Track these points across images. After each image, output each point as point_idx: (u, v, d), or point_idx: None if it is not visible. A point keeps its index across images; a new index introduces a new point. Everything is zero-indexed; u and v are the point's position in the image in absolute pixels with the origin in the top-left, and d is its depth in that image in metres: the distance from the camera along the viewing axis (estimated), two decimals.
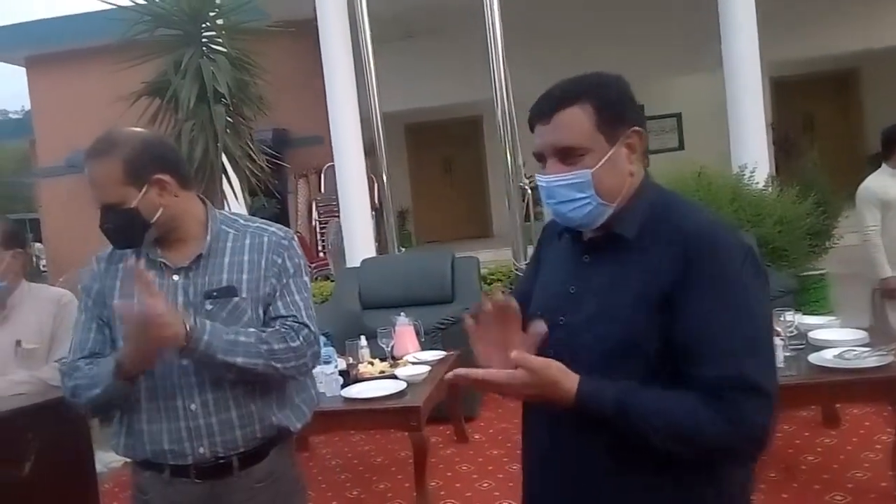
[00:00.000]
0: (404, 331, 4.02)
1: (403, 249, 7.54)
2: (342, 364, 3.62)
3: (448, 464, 3.94)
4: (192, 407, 1.68)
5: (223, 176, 5.43)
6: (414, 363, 3.77)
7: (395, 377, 3.53)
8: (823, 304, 5.41)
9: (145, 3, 5.41)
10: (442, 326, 4.49)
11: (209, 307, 1.69)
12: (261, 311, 1.73)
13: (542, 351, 1.29)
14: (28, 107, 12.89)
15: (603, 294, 1.29)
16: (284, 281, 1.76)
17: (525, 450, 1.46)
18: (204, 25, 5.43)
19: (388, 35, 8.07)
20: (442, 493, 3.60)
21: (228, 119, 5.34)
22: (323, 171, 9.48)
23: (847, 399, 3.51)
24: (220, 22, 5.54)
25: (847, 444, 3.65)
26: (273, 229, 1.81)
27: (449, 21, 9.18)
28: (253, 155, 5.49)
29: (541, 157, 1.34)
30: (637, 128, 1.30)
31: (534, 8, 8.98)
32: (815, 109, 11.58)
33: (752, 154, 6.13)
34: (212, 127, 5.20)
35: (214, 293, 1.70)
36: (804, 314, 3.67)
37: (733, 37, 6.36)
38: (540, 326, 1.27)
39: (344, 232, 6.81)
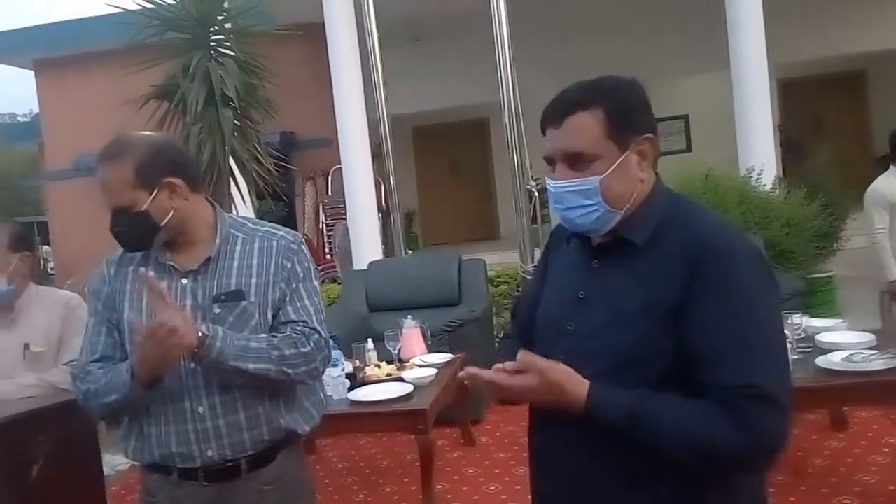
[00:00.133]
0: (411, 333, 4.02)
1: (410, 252, 7.54)
2: (349, 367, 3.63)
3: (455, 467, 3.94)
4: (200, 409, 1.68)
5: (231, 179, 5.45)
6: (421, 366, 3.77)
7: (401, 380, 3.53)
8: (831, 307, 5.40)
9: (154, 7, 5.43)
10: (449, 329, 4.49)
11: (217, 311, 1.70)
12: (269, 316, 1.74)
13: (550, 359, 1.29)
14: (36, 110, 12.95)
15: (612, 300, 1.28)
16: (294, 286, 1.76)
17: (532, 454, 1.45)
18: (212, 29, 5.45)
19: (395, 38, 8.08)
20: (448, 496, 3.60)
21: (236, 122, 5.37)
22: (330, 174, 9.49)
23: (855, 402, 3.50)
24: (228, 26, 5.56)
25: (855, 448, 3.63)
26: (282, 233, 1.81)
27: (456, 23, 9.18)
28: (260, 158, 5.50)
29: (551, 161, 1.33)
30: (649, 135, 1.29)
31: (541, 10, 8.97)
32: (823, 111, 11.53)
33: (760, 156, 6.11)
34: (219, 130, 5.21)
35: (223, 297, 1.70)
36: (812, 317, 3.66)
37: (740, 38, 6.34)
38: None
39: (351, 234, 6.81)
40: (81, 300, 2.57)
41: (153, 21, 5.37)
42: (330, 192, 9.57)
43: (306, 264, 1.81)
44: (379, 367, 3.73)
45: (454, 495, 3.61)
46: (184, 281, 1.73)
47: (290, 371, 1.70)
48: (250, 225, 1.83)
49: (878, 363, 2.89)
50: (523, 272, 5.95)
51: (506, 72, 6.21)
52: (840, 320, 3.59)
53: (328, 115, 6.97)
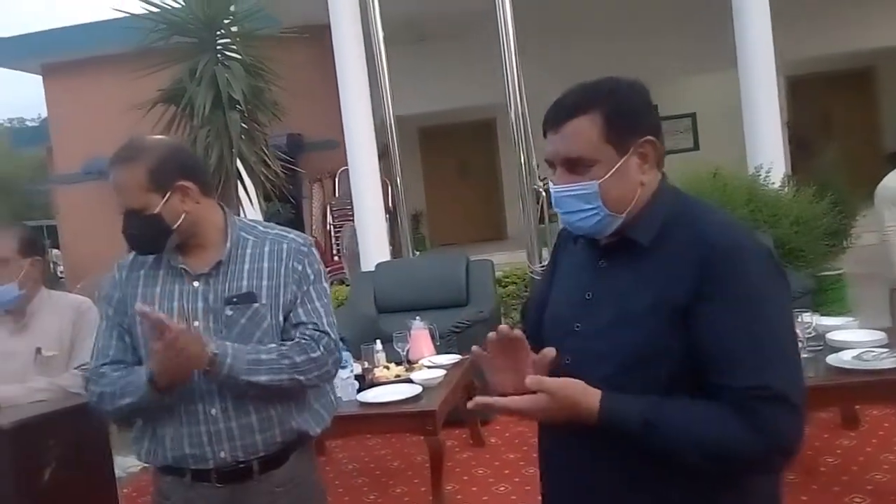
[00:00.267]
0: (419, 335, 4.02)
1: (418, 253, 7.55)
2: (358, 368, 3.63)
3: (464, 467, 3.94)
4: (213, 412, 1.69)
5: (238, 182, 5.47)
6: (429, 367, 3.77)
7: (410, 381, 3.53)
8: (841, 305, 5.37)
9: (160, 11, 5.45)
10: (457, 330, 4.49)
11: (229, 313, 1.71)
12: (281, 318, 1.75)
13: (558, 359, 1.29)
14: (44, 114, 13.02)
15: (620, 300, 1.27)
16: (305, 288, 1.77)
17: (541, 456, 1.45)
18: (218, 33, 5.47)
19: (401, 39, 8.09)
20: (458, 497, 3.60)
21: (243, 125, 5.38)
22: (337, 176, 9.51)
23: (866, 400, 3.48)
24: (234, 29, 5.58)
25: (867, 446, 3.61)
26: (292, 236, 1.83)
27: (461, 24, 9.19)
28: (268, 160, 5.52)
29: (552, 165, 1.33)
30: (650, 137, 1.28)
31: (546, 9, 8.97)
32: (832, 108, 11.48)
33: (768, 154, 6.09)
34: (227, 133, 5.23)
35: (234, 299, 1.72)
36: (822, 315, 3.64)
37: (747, 36, 6.32)
38: (549, 352, 1.26)
39: (358, 236, 6.82)
40: (92, 304, 2.58)
41: (160, 25, 5.39)
42: (337, 194, 9.59)
43: (316, 266, 1.82)
44: (388, 368, 3.73)
45: (464, 496, 3.61)
46: (195, 284, 1.74)
47: (301, 378, 1.72)
48: (260, 228, 1.84)
49: (888, 361, 2.88)
50: (531, 272, 5.95)
51: (512, 72, 6.22)
52: (850, 318, 3.57)
53: (335, 117, 6.98)
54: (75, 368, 2.43)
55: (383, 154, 6.89)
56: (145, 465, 1.87)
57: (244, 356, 1.66)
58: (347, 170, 7.02)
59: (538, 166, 6.43)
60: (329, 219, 9.51)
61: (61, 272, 11.61)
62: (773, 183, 5.58)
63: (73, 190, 11.13)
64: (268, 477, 1.76)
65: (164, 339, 1.56)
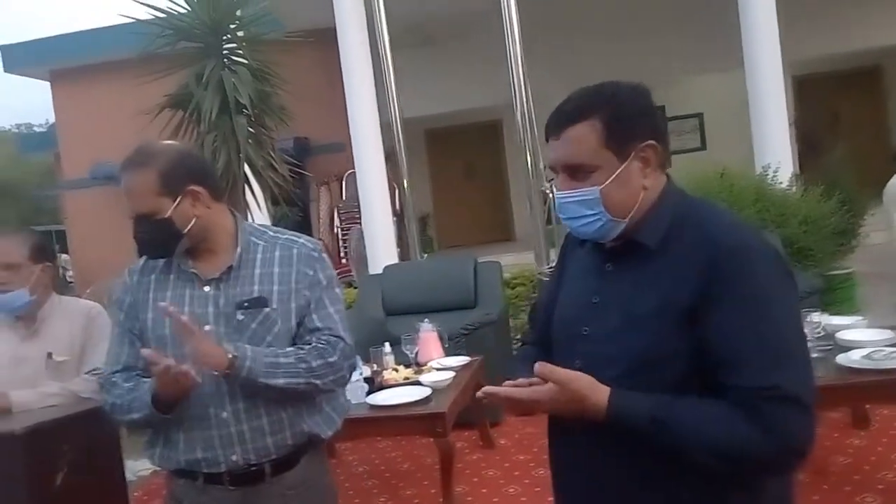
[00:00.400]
0: (428, 337, 4.03)
1: (426, 255, 7.55)
2: (367, 371, 3.64)
3: (474, 469, 3.93)
4: (224, 415, 1.71)
5: (246, 186, 5.48)
6: (438, 369, 3.77)
7: (419, 383, 3.53)
8: (850, 304, 5.34)
9: (166, 16, 5.47)
10: (465, 332, 4.49)
11: (240, 317, 1.72)
12: (293, 323, 1.76)
13: (567, 363, 1.29)
14: (52, 119, 13.09)
15: (626, 304, 1.28)
16: (318, 294, 1.79)
17: (551, 456, 1.46)
18: (225, 38, 5.49)
19: (407, 41, 8.10)
20: (469, 498, 3.60)
21: (250, 130, 5.40)
22: (344, 178, 9.53)
23: (876, 400, 3.46)
24: (240, 34, 5.60)
25: (878, 445, 3.59)
26: (302, 241, 1.84)
27: (467, 25, 9.19)
28: (275, 164, 5.53)
29: (554, 171, 1.34)
30: (651, 141, 1.28)
31: (552, 9, 8.97)
32: (839, 107, 11.43)
33: (776, 153, 6.08)
34: (234, 138, 5.25)
35: (246, 304, 1.73)
36: (831, 314, 3.63)
37: (754, 35, 6.32)
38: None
39: (366, 238, 6.83)
40: (102, 309, 2.60)
41: (166, 31, 5.41)
42: (344, 197, 9.60)
43: (328, 271, 1.83)
44: (396, 370, 3.73)
45: (474, 498, 3.61)
46: (206, 288, 1.75)
47: (318, 382, 1.73)
48: (270, 233, 1.85)
49: None
50: (539, 274, 5.94)
51: (518, 73, 6.22)
52: (860, 317, 3.55)
53: (341, 120, 7.00)
54: (86, 373, 2.44)
55: (390, 156, 6.90)
56: (155, 468, 1.88)
57: (263, 359, 1.67)
58: (354, 172, 7.04)
59: (545, 167, 6.42)
60: (336, 222, 9.53)
61: (70, 277, 11.67)
62: (781, 182, 5.56)
63: (80, 195, 11.19)
64: (280, 479, 1.77)
65: (159, 368, 1.58)
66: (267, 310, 1.73)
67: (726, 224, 1.27)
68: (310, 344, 1.75)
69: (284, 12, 7.30)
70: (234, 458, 1.71)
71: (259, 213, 5.72)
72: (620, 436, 1.22)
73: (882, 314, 4.14)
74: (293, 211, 8.53)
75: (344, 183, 9.60)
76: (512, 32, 6.21)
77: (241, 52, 5.53)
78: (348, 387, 3.26)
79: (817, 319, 3.11)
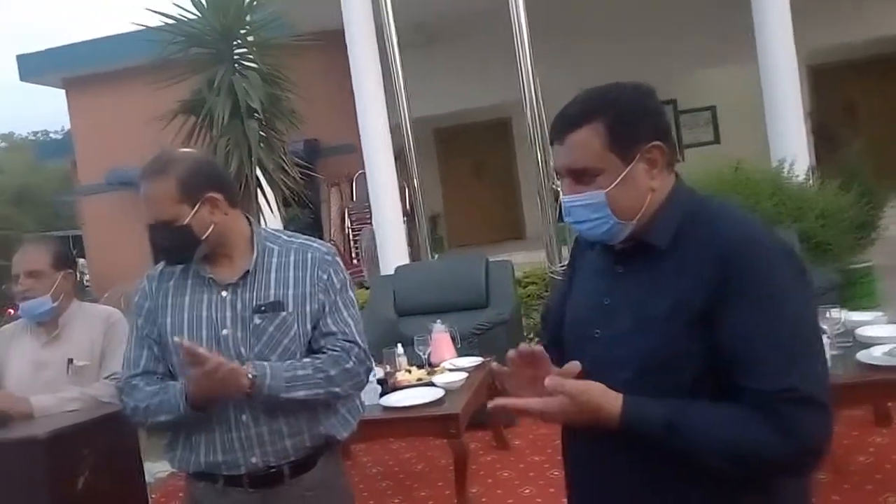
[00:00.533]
0: (441, 338, 4.01)
1: (437, 256, 7.55)
2: (380, 373, 3.63)
3: (489, 470, 3.92)
4: (244, 418, 1.73)
5: (258, 189, 5.51)
6: (451, 370, 3.76)
7: (432, 385, 3.52)
8: (871, 299, 5.28)
9: (178, 23, 5.50)
10: (478, 332, 4.48)
11: (257, 321, 1.75)
12: (308, 327, 1.77)
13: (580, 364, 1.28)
14: (68, 126, 13.22)
15: (637, 306, 1.26)
16: (333, 297, 1.80)
17: (565, 457, 1.45)
18: (235, 43, 5.52)
19: (415, 41, 8.10)
20: (483, 499, 3.58)
21: (261, 133, 5.44)
22: (354, 179, 9.56)
23: None
24: (250, 39, 5.62)
25: None
26: (316, 245, 1.86)
27: (475, 24, 9.18)
28: (286, 167, 5.56)
29: (560, 175, 1.33)
30: (656, 142, 1.26)
31: (561, 5, 8.93)
32: (856, 97, 11.28)
33: (791, 146, 6.02)
34: (245, 142, 5.28)
35: (263, 308, 1.75)
36: (851, 309, 3.58)
37: (767, 26, 6.26)
38: (574, 367, 1.24)
39: (377, 239, 6.84)
40: (121, 315, 2.64)
41: (178, 37, 5.45)
42: (354, 198, 9.64)
43: (342, 275, 1.85)
44: (409, 371, 3.73)
45: (489, 499, 3.59)
46: (223, 293, 1.77)
47: (337, 389, 1.76)
48: (284, 237, 1.88)
49: None
50: (550, 272, 5.92)
51: (527, 71, 6.19)
52: (880, 313, 3.50)
53: (350, 121, 7.02)
54: (105, 378, 2.47)
55: (399, 157, 6.90)
56: (173, 470, 1.89)
57: (282, 374, 1.69)
58: (364, 173, 7.05)
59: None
60: (347, 222, 9.56)
61: (87, 281, 11.78)
62: (797, 176, 5.50)
63: (96, 200, 11.31)
64: (298, 481, 1.79)
65: (203, 367, 1.59)
66: (284, 313, 1.75)
67: (738, 221, 1.25)
68: (324, 350, 1.76)
69: (293, 16, 7.32)
70: (253, 460, 1.73)
71: (270, 216, 5.75)
72: (630, 440, 1.20)
73: None
74: (304, 212, 8.57)
75: (354, 184, 9.63)
76: (520, 30, 6.18)
77: (251, 56, 5.56)
78: None
79: (836, 315, 3.06)
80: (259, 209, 5.53)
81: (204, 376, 1.61)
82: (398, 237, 6.75)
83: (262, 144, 5.44)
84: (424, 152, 9.18)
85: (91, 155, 11.20)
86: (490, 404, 1.29)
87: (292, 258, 1.81)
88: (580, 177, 1.28)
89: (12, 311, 2.61)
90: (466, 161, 12.42)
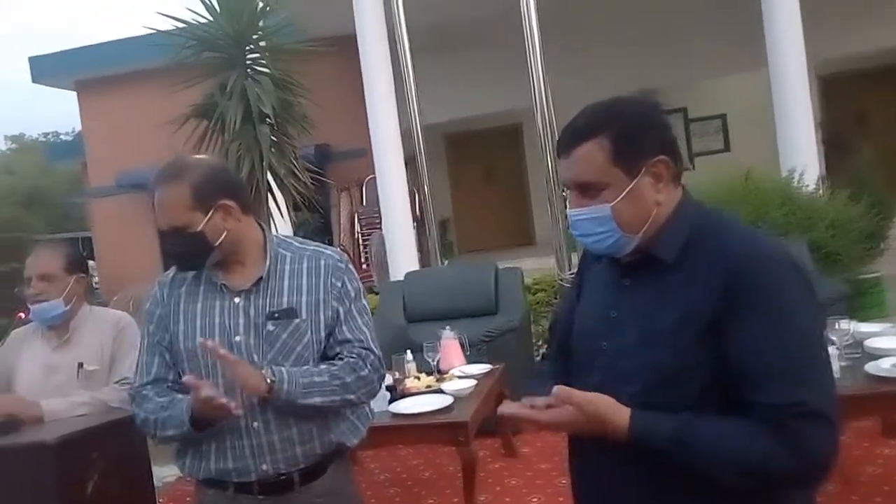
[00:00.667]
0: (450, 344, 4.02)
1: (447, 262, 7.56)
2: (389, 379, 3.63)
3: (497, 478, 3.92)
4: (255, 425, 1.73)
5: (269, 194, 5.53)
6: (460, 377, 3.77)
7: (441, 392, 3.53)
8: (880, 309, 5.27)
9: (190, 28, 5.53)
10: (487, 339, 4.48)
11: (271, 328, 1.75)
12: (322, 334, 1.78)
13: (586, 377, 1.29)
14: (78, 128, 13.29)
15: (644, 318, 1.27)
16: (347, 305, 1.81)
17: (571, 468, 1.45)
18: (248, 48, 5.54)
19: (426, 47, 8.12)
20: None
21: (273, 138, 5.45)
22: (364, 184, 9.57)
23: None
24: (263, 44, 5.65)
25: None
26: (329, 252, 1.86)
27: (486, 30, 9.19)
28: (297, 172, 5.57)
29: (566, 188, 1.35)
30: (662, 156, 1.27)
31: (572, 12, 8.94)
32: (867, 106, 11.24)
33: (801, 155, 6.01)
34: (257, 147, 5.30)
35: (276, 314, 1.75)
36: (860, 319, 3.56)
37: (777, 35, 6.26)
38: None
39: (386, 244, 6.85)
40: (132, 320, 2.64)
41: (190, 42, 5.48)
42: (364, 203, 9.65)
43: (356, 283, 1.85)
44: (418, 378, 3.74)
45: None
46: (236, 300, 1.77)
47: (352, 397, 1.77)
48: (296, 244, 1.88)
49: None
50: (560, 280, 5.92)
51: (538, 77, 6.21)
52: (889, 324, 3.50)
53: (362, 126, 7.04)
54: (115, 383, 2.47)
55: (410, 162, 6.91)
56: (180, 475, 1.90)
57: (299, 379, 1.69)
58: (375, 178, 7.07)
59: None
60: (357, 227, 9.57)
61: (96, 283, 11.83)
62: (807, 185, 5.49)
63: (107, 202, 11.36)
64: (308, 488, 1.79)
65: (199, 397, 1.61)
66: (297, 320, 1.75)
67: (745, 235, 1.26)
68: (340, 357, 1.77)
69: (305, 21, 7.34)
70: (264, 467, 1.74)
71: (281, 221, 5.77)
72: (638, 453, 1.21)
73: None
74: (314, 217, 8.59)
75: (364, 189, 9.64)
76: (532, 36, 6.20)
77: (263, 61, 5.58)
78: None
79: (845, 327, 3.06)
80: (269, 214, 5.55)
81: (202, 403, 1.62)
82: (408, 242, 6.76)
83: (273, 149, 5.46)
84: (435, 157, 9.18)
85: (102, 157, 11.24)
86: (499, 410, 1.31)
87: (305, 265, 1.81)
88: (586, 190, 1.29)
89: (23, 315, 2.62)
90: (477, 166, 12.42)
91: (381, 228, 7.34)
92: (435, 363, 3.88)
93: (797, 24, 6.17)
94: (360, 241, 9.43)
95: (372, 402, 3.32)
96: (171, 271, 1.87)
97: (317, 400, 1.71)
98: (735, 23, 7.95)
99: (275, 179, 5.51)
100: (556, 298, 5.81)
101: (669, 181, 1.29)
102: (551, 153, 6.22)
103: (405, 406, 3.40)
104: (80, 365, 2.50)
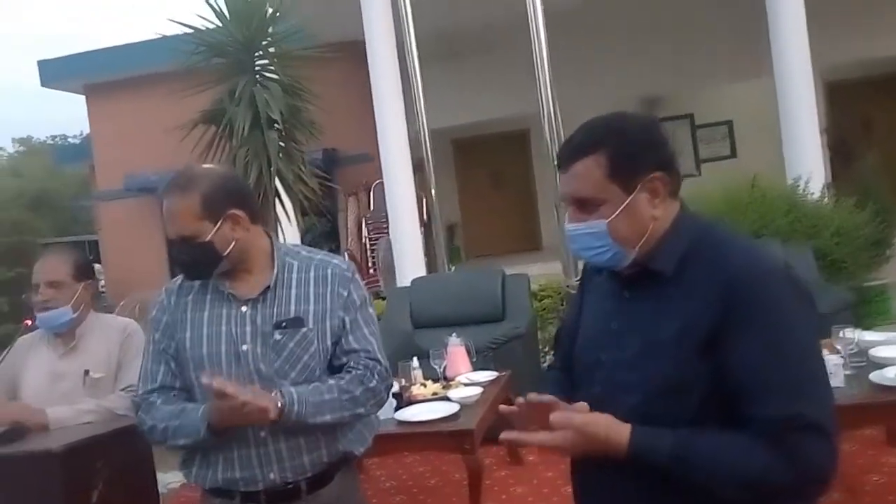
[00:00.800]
0: (456, 351, 4.02)
1: (453, 267, 7.57)
2: (395, 386, 3.64)
3: (502, 486, 3.92)
4: (262, 434, 1.73)
5: (277, 199, 5.55)
6: (466, 384, 3.77)
7: (447, 399, 3.53)
8: (886, 317, 5.27)
9: (200, 34, 5.56)
10: (493, 346, 4.49)
11: (278, 337, 1.75)
12: (328, 343, 1.78)
13: (588, 390, 1.31)
14: (86, 131, 13.35)
15: (644, 331, 1.29)
16: (353, 315, 1.82)
17: (574, 485, 1.47)
18: (257, 54, 5.57)
19: (434, 53, 8.15)
20: None
21: (281, 144, 5.47)
22: (372, 189, 9.59)
23: None
24: (272, 50, 5.67)
25: None
26: (336, 261, 1.87)
27: (494, 36, 9.22)
28: (305, 178, 5.59)
29: (565, 203, 1.37)
30: (658, 173, 1.29)
31: (579, 18, 8.96)
32: (873, 113, 11.21)
33: (807, 162, 6.01)
34: (265, 152, 5.32)
35: (283, 324, 1.76)
36: (865, 327, 3.57)
37: (783, 42, 6.26)
38: (582, 406, 1.26)
39: (394, 249, 6.86)
40: (138, 326, 2.64)
41: (199, 48, 5.50)
42: (372, 207, 9.66)
43: (362, 292, 1.86)
44: (425, 385, 3.74)
45: None
46: (243, 308, 1.78)
47: (361, 410, 1.78)
48: (304, 253, 1.88)
49: None
50: (567, 286, 5.93)
51: (545, 82, 6.22)
52: (894, 333, 3.49)
53: (369, 131, 7.06)
54: (121, 390, 2.48)
55: (418, 166, 6.93)
56: (185, 481, 1.91)
57: (309, 399, 1.70)
58: (382, 183, 7.08)
59: None
60: (364, 232, 9.58)
61: (102, 286, 11.87)
62: (813, 193, 5.49)
63: (114, 206, 11.40)
64: (315, 497, 1.80)
65: (229, 402, 1.60)
66: (304, 329, 1.76)
67: (743, 248, 1.28)
68: (349, 368, 1.78)
69: (314, 26, 7.38)
70: (271, 476, 1.75)
71: (289, 226, 5.78)
72: (641, 469, 1.23)
73: None
74: (321, 221, 8.62)
75: (372, 193, 9.66)
76: (539, 42, 6.21)
77: (272, 67, 5.60)
78: None
79: (850, 336, 3.06)
80: (277, 219, 5.57)
81: (229, 410, 1.62)
82: (415, 247, 6.77)
83: (281, 155, 5.48)
84: (442, 162, 9.20)
85: (110, 160, 11.29)
86: (501, 437, 1.31)
87: (312, 274, 1.81)
88: (583, 206, 1.31)
89: (29, 323, 2.61)
90: (484, 171, 12.43)
91: (388, 233, 7.36)
92: (441, 370, 3.89)
93: (802, 31, 6.17)
94: (368, 245, 9.45)
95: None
96: (179, 279, 1.88)
97: (327, 418, 1.72)
98: (741, 30, 7.97)
99: (283, 185, 5.53)
100: (562, 305, 5.81)
101: (666, 196, 1.31)
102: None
103: (411, 413, 3.40)
104: (87, 372, 2.51)
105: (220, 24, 5.57)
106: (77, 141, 25.79)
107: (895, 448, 3.70)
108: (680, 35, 9.61)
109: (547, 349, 5.33)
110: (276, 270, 1.80)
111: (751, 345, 1.18)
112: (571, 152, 1.31)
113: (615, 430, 1.22)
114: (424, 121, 6.86)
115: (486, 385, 3.78)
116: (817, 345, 1.26)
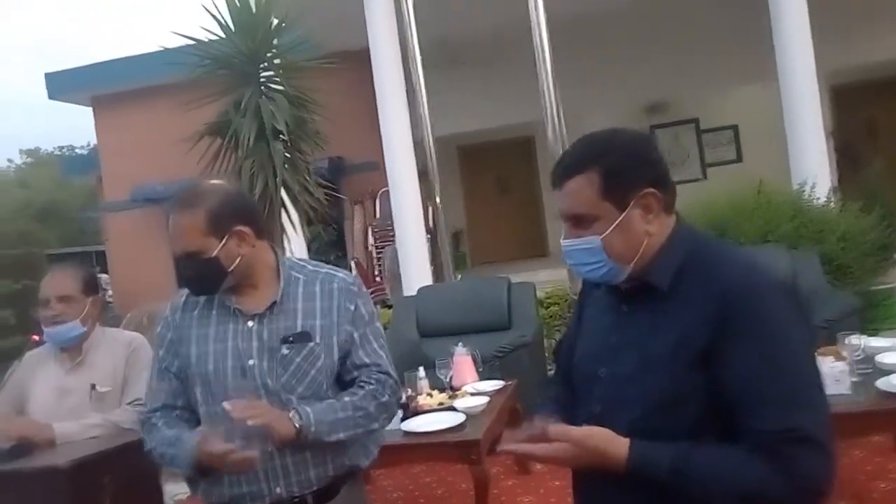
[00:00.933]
0: (462, 361, 4.03)
1: (459, 276, 7.57)
2: (402, 396, 3.65)
3: (509, 496, 3.92)
4: (269, 448, 1.72)
5: (282, 210, 5.56)
6: (473, 394, 3.77)
7: (454, 409, 3.53)
8: (892, 321, 5.24)
9: (205, 45, 5.58)
10: (500, 355, 4.50)
11: (285, 352, 1.76)
12: (335, 357, 1.79)
13: (587, 404, 1.32)
14: (94, 142, 13.42)
15: (642, 345, 1.30)
16: (362, 329, 1.83)
17: (576, 497, 1.47)
18: (262, 66, 5.59)
19: (438, 60, 8.17)
20: None
21: (286, 155, 5.47)
22: (378, 197, 9.60)
23: None
24: (277, 62, 5.69)
25: None
26: (341, 275, 1.88)
27: (498, 43, 9.24)
28: (310, 189, 5.60)
29: (561, 219, 1.38)
30: (651, 189, 1.30)
31: (583, 25, 8.97)
32: (878, 117, 11.18)
33: (812, 166, 6.00)
34: (270, 163, 5.33)
35: (290, 338, 1.77)
36: (872, 331, 3.56)
37: (788, 46, 6.26)
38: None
39: (400, 257, 6.88)
40: (144, 340, 2.66)
41: (205, 59, 5.53)
42: (378, 215, 9.67)
43: (369, 306, 1.87)
44: (431, 395, 3.74)
45: None
46: (249, 324, 1.78)
47: (375, 425, 1.80)
48: (309, 267, 1.89)
49: None
50: (573, 293, 5.93)
51: (549, 89, 6.22)
52: None
53: (375, 139, 7.08)
54: (128, 404, 2.49)
55: (423, 174, 6.94)
56: (191, 493, 1.91)
57: (325, 419, 1.71)
58: (388, 191, 7.10)
59: None
60: (370, 240, 9.59)
61: (110, 297, 11.92)
62: (819, 197, 5.48)
63: (121, 216, 11.47)
64: None
65: (216, 449, 1.60)
66: (311, 344, 1.77)
67: (738, 262, 1.29)
68: (360, 384, 1.79)
69: (318, 36, 7.42)
70: (277, 490, 1.75)
71: (295, 236, 5.80)
72: (640, 483, 1.23)
73: None
74: (327, 230, 8.62)
75: (378, 201, 9.67)
76: (542, 49, 6.22)
77: (277, 79, 5.62)
78: None
79: (856, 342, 3.05)
80: (283, 230, 5.58)
81: (216, 458, 1.62)
82: (421, 255, 6.78)
83: (286, 166, 5.48)
84: (448, 169, 9.21)
85: (117, 171, 11.36)
86: (499, 447, 1.34)
87: (318, 288, 1.82)
88: (578, 222, 1.33)
89: (37, 338, 2.64)
90: (490, 178, 12.45)
91: (394, 241, 7.37)
92: (447, 380, 3.89)
93: (807, 35, 6.17)
94: (374, 254, 9.46)
95: None
96: (184, 294, 1.88)
97: (342, 435, 1.73)
98: (745, 35, 7.95)
99: (288, 196, 5.53)
100: (569, 312, 5.82)
101: (660, 211, 1.32)
102: None
103: (417, 424, 3.41)
104: (93, 386, 2.51)
105: (225, 36, 5.59)
106: (84, 152, 25.95)
107: None
108: (684, 40, 9.61)
109: (552, 358, 5.33)
110: (281, 285, 1.81)
111: (746, 357, 1.19)
112: (564, 171, 1.33)
113: (614, 443, 1.23)
114: (429, 128, 6.88)
115: (493, 394, 3.78)
116: (812, 357, 1.27)
